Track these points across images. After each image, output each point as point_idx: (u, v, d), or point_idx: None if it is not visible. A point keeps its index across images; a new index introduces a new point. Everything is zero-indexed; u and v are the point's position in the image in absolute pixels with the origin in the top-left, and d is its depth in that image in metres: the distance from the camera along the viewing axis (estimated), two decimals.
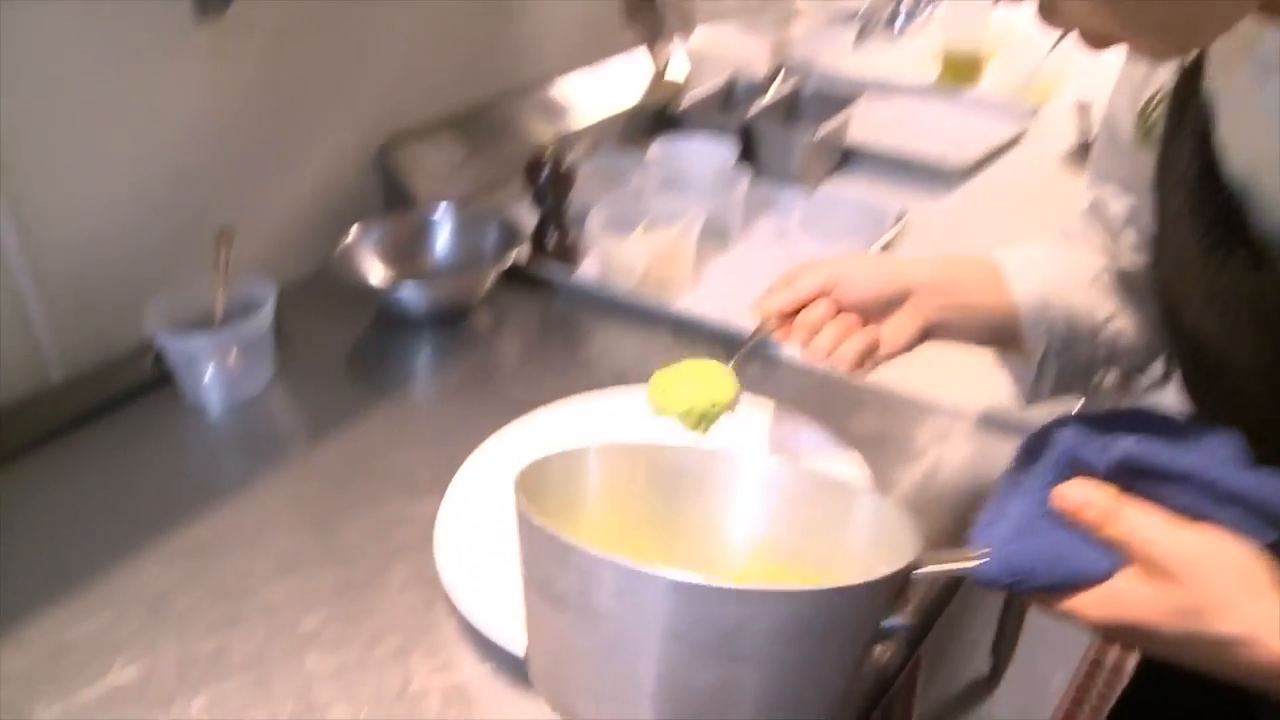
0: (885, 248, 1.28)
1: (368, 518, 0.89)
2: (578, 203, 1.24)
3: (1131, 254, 0.82)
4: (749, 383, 0.85)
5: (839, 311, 0.78)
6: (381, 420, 1.01)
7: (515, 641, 0.73)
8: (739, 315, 1.11)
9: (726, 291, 1.23)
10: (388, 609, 0.80)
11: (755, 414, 0.95)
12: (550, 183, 1.19)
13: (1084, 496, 0.54)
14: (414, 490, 0.91)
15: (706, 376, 0.81)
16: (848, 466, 0.89)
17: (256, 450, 0.99)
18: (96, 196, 1.02)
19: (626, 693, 0.53)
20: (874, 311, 0.78)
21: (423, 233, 1.22)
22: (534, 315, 1.20)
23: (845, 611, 0.52)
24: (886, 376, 0.95)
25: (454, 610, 0.79)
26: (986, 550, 0.56)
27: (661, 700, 0.52)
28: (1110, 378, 0.85)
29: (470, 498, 0.86)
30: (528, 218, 1.24)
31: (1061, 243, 0.87)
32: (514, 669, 0.74)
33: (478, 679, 0.75)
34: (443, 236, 1.22)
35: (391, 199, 1.29)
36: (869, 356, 0.77)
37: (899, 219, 1.32)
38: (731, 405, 0.80)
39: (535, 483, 0.59)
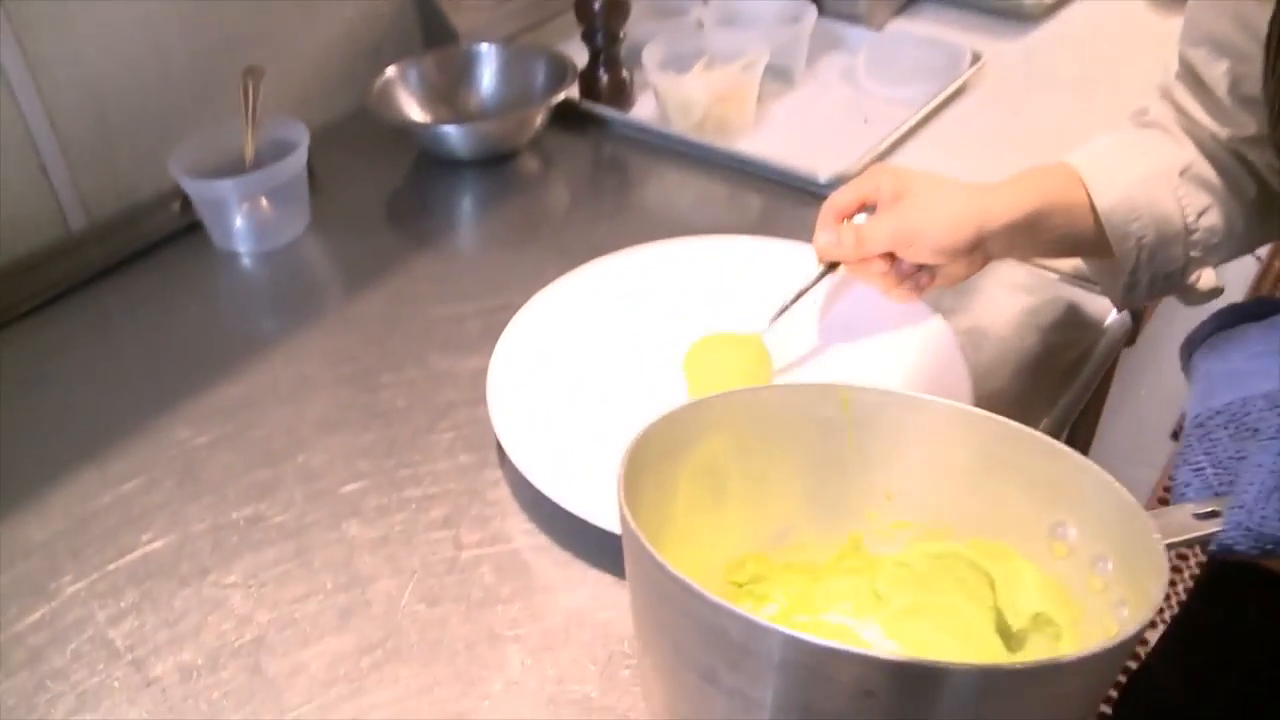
0: (959, 92, 1.18)
1: (412, 374, 0.83)
2: (631, 39, 1.14)
3: (1233, 126, 0.73)
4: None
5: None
6: (424, 270, 0.95)
7: (576, 503, 0.68)
8: (804, 158, 1.05)
9: (790, 135, 1.14)
10: (434, 473, 0.75)
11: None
12: (603, 16, 1.09)
13: None
14: (461, 346, 0.85)
15: (742, 352, 0.78)
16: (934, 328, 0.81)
17: (292, 302, 0.93)
18: (109, 30, 0.94)
19: None
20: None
21: (466, 71, 1.12)
22: (584, 158, 1.12)
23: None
24: None
25: (505, 475, 0.74)
26: (1214, 511, 0.48)
27: None
28: (1208, 273, 0.78)
29: (523, 353, 0.80)
30: (578, 55, 1.15)
31: (1141, 132, 0.78)
32: (571, 537, 0.69)
33: (532, 550, 0.70)
34: (487, 75, 1.12)
35: (431, 35, 1.19)
36: (927, 288, 0.77)
37: (975, 61, 1.20)
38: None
39: (636, 469, 0.51)
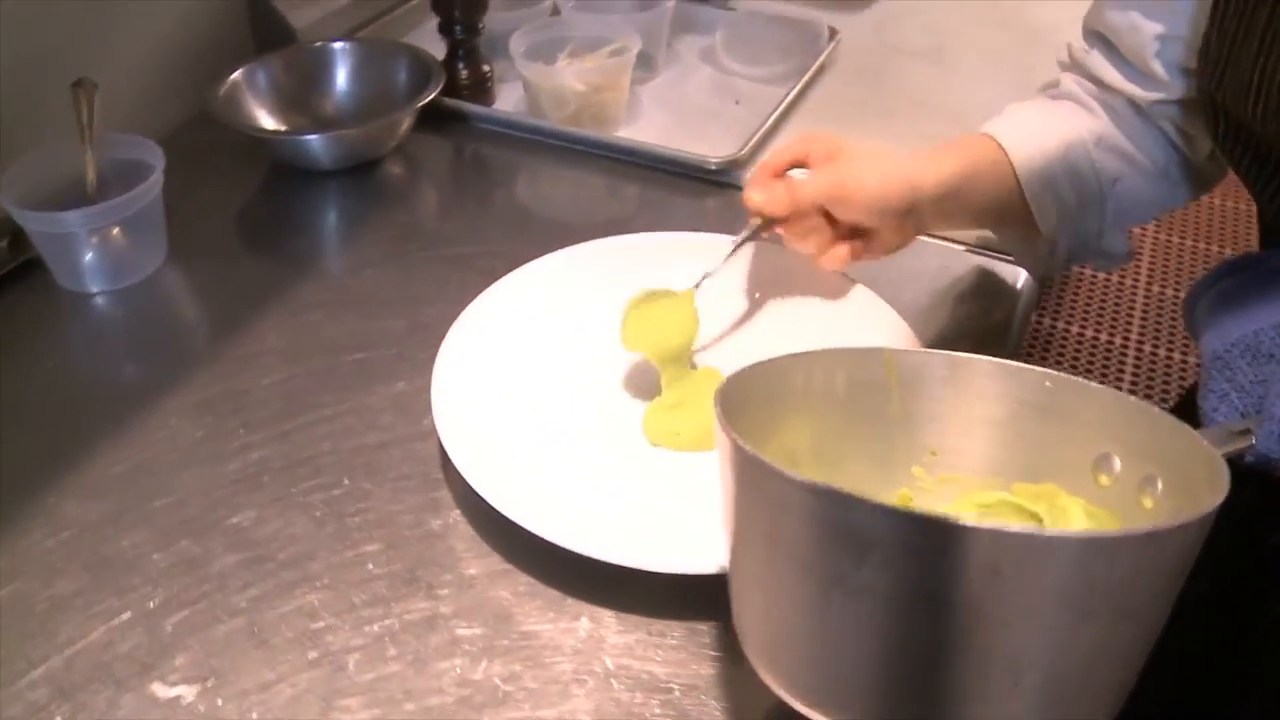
0: (820, 69, 1.17)
1: (330, 412, 0.75)
2: (485, 30, 1.08)
3: (1160, 90, 0.74)
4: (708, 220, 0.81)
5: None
6: (309, 296, 0.85)
7: (552, 530, 0.63)
8: (685, 143, 1.02)
9: (665, 120, 1.10)
10: (385, 518, 0.68)
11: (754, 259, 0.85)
12: (462, 7, 1.02)
13: None
14: (375, 374, 0.78)
15: (676, 311, 0.76)
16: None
17: (166, 345, 0.82)
18: None
19: (988, 686, 0.43)
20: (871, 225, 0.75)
21: (319, 72, 1.03)
22: (451, 159, 1.05)
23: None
24: None
25: (459, 508, 0.68)
26: (1246, 430, 0.50)
27: (1033, 689, 0.43)
28: (1120, 236, 0.80)
29: (462, 376, 0.73)
30: (431, 48, 1.07)
31: (1054, 103, 0.79)
32: (537, 562, 0.64)
33: (511, 592, 0.64)
34: (342, 75, 1.03)
35: (265, 36, 1.09)
36: (859, 257, 0.76)
37: (832, 37, 1.20)
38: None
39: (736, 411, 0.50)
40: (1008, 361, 0.59)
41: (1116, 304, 2.38)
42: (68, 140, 0.84)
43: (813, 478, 0.42)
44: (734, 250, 0.76)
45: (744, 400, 0.54)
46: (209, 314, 0.86)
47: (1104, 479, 0.56)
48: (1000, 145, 0.76)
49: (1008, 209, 0.77)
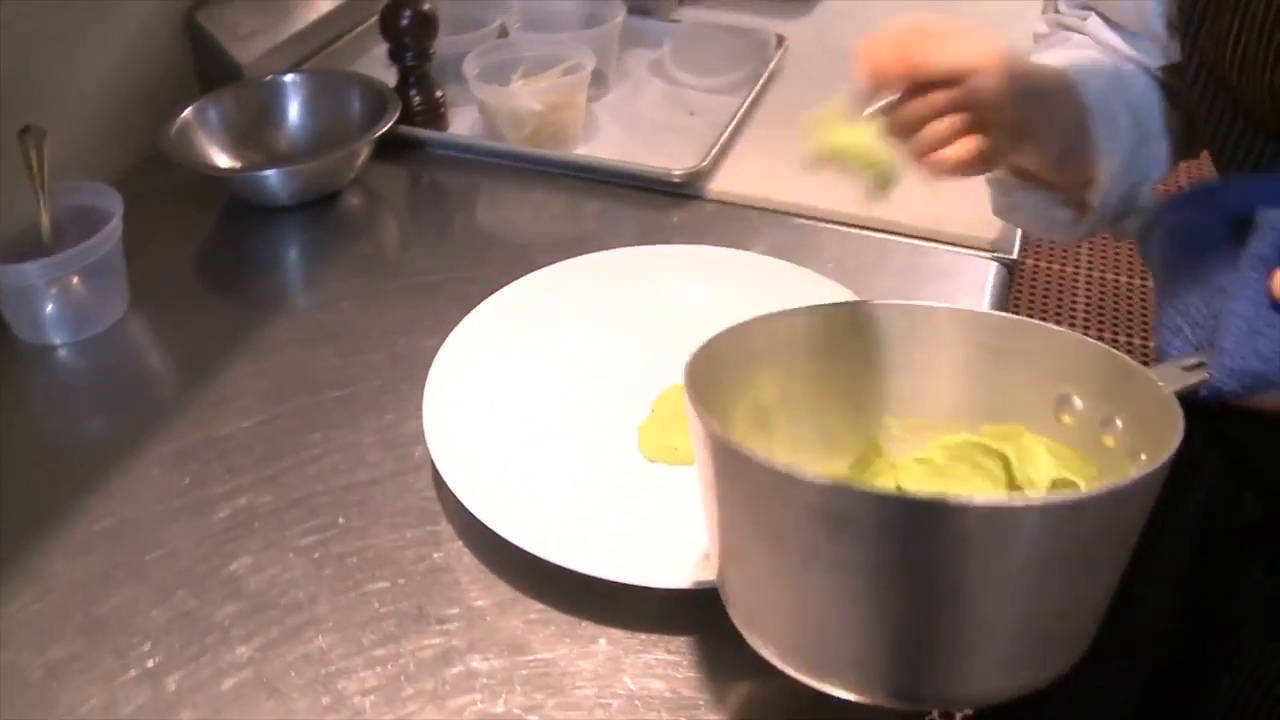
0: (770, 78, 1.17)
1: (317, 451, 0.73)
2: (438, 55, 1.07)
3: (1166, 56, 0.73)
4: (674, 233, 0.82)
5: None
6: (281, 335, 0.83)
7: (559, 553, 0.62)
8: (646, 157, 1.02)
9: (622, 135, 1.10)
10: (385, 555, 0.66)
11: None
12: (412, 33, 1.01)
13: None
14: (359, 410, 0.76)
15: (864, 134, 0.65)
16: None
17: (136, 396, 0.80)
18: None
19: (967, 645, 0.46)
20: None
21: (271, 106, 1.01)
22: (411, 186, 1.04)
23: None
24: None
25: (461, 538, 0.66)
26: (1200, 363, 0.51)
27: (1008, 642, 0.46)
28: (1149, 194, 0.74)
29: (452, 406, 0.72)
30: (380, 76, 1.06)
31: (1085, 50, 0.75)
32: (546, 587, 0.63)
33: (523, 620, 0.63)
34: (294, 108, 1.01)
35: (210, 72, 1.06)
36: (971, 167, 0.65)
37: (780, 44, 1.21)
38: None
39: (705, 382, 0.52)
40: (965, 308, 0.61)
41: (1060, 293, 2.42)
42: (18, 189, 0.82)
43: (785, 445, 0.47)
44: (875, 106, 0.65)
45: (714, 366, 0.55)
46: (178, 360, 0.83)
47: (1066, 418, 0.57)
48: (1063, 70, 0.69)
49: (1075, 142, 0.69)
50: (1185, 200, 0.60)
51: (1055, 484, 0.57)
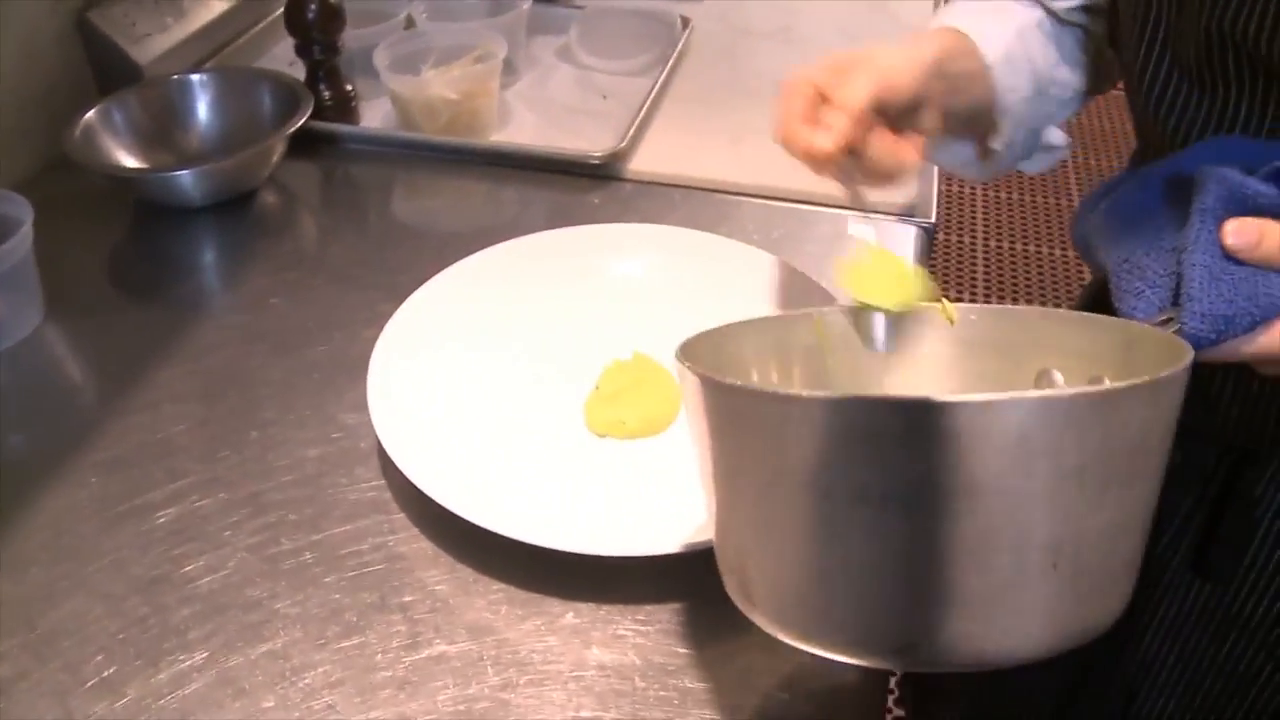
0: (678, 59, 1.18)
1: (240, 459, 0.71)
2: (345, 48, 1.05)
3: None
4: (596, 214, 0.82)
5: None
6: (207, 339, 0.81)
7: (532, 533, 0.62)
8: (566, 141, 1.03)
9: (537, 121, 1.10)
10: (340, 547, 0.65)
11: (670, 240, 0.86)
12: (319, 26, 0.99)
13: (1258, 226, 0.49)
14: (295, 408, 0.74)
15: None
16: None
17: (49, 408, 0.77)
18: None
19: (1012, 588, 0.42)
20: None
21: (178, 105, 0.98)
22: (324, 182, 1.02)
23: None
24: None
25: (419, 527, 0.66)
26: (1166, 318, 0.51)
27: (1057, 573, 0.42)
28: (1058, 127, 0.80)
29: (397, 398, 0.71)
30: (291, 71, 1.04)
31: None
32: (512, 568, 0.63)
33: (486, 603, 0.62)
34: (203, 107, 0.99)
35: (107, 73, 1.03)
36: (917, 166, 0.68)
37: (685, 26, 1.22)
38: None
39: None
40: (926, 305, 0.61)
41: (960, 261, 2.48)
42: None
43: None
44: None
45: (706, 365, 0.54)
46: (101, 368, 0.81)
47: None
48: (964, 33, 0.73)
49: (978, 101, 0.74)
50: (1118, 182, 0.61)
51: None
